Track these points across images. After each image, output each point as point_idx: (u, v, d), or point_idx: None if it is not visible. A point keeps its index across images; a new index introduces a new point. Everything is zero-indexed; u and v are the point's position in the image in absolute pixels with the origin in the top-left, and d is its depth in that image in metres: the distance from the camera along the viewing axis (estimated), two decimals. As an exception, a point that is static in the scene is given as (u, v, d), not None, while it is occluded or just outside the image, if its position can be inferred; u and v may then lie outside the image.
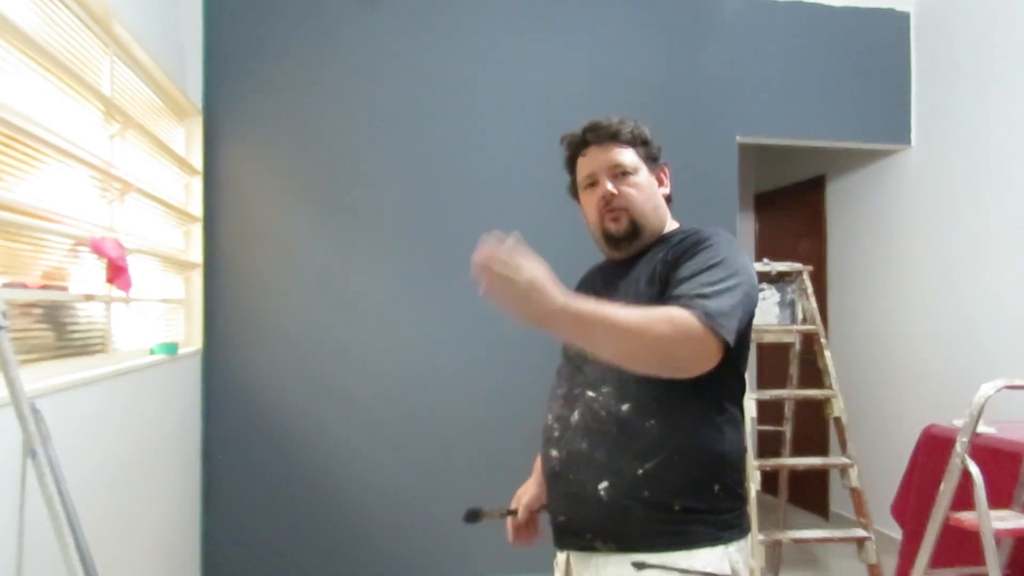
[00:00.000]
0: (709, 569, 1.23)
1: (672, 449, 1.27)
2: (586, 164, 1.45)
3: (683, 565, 1.23)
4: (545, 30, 3.55)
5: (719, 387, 1.30)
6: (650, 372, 1.20)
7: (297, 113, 3.34)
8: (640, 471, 1.26)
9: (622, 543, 1.27)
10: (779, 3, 3.78)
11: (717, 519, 1.28)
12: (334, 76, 3.38)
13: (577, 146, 1.47)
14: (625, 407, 1.29)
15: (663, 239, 1.43)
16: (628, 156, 1.42)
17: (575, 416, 1.34)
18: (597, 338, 1.15)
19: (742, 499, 1.34)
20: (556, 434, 1.37)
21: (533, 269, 1.08)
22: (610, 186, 1.41)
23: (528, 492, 1.58)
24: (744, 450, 1.37)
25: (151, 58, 2.58)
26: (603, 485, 1.27)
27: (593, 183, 1.44)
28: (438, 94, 3.45)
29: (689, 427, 1.28)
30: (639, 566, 1.24)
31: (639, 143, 1.44)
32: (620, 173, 1.42)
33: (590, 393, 1.33)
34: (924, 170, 3.82)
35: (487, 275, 1.05)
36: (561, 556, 1.41)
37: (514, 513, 1.57)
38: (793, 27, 3.78)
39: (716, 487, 1.29)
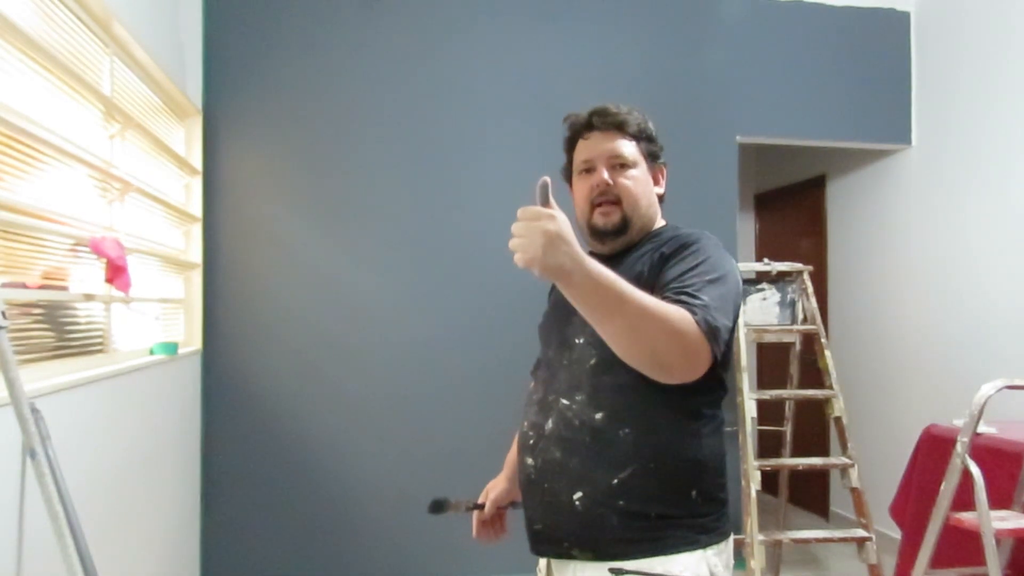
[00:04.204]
0: (686, 574, 1.21)
1: (647, 457, 1.24)
2: (586, 148, 1.41)
3: (660, 571, 1.21)
4: (545, 30, 3.55)
5: (696, 393, 1.24)
6: (636, 363, 1.12)
7: (297, 113, 3.34)
8: (615, 480, 1.23)
9: (598, 551, 1.25)
10: (779, 3, 3.78)
11: (694, 523, 1.25)
12: (334, 76, 3.38)
13: (580, 128, 1.42)
14: (599, 416, 1.26)
15: (650, 237, 1.39)
16: (630, 148, 1.38)
17: (549, 424, 1.32)
18: (608, 308, 1.08)
19: (721, 502, 1.30)
20: (531, 442, 1.34)
21: (564, 220, 1.05)
22: (606, 175, 1.37)
23: (497, 487, 1.57)
24: (724, 453, 1.33)
25: (151, 58, 2.58)
26: (577, 495, 1.25)
27: (589, 169, 1.40)
28: (438, 94, 3.45)
29: (664, 435, 1.25)
30: (616, 572, 1.22)
31: (643, 138, 1.40)
32: (619, 164, 1.37)
33: (564, 401, 1.31)
34: (924, 170, 3.82)
35: (523, 218, 1.02)
36: (543, 562, 1.41)
37: (481, 507, 1.56)
38: (793, 27, 3.78)
39: (694, 492, 1.26)
